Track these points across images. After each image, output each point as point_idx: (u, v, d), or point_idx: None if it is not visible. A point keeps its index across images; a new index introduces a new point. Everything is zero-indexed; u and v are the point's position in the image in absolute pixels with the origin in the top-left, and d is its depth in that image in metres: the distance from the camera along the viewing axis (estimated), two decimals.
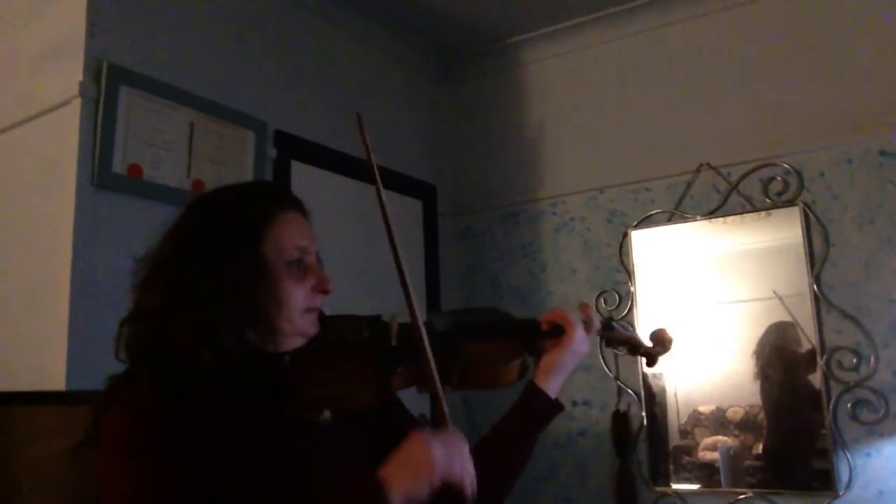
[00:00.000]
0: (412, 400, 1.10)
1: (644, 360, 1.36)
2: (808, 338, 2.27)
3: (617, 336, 1.33)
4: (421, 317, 0.95)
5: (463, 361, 1.08)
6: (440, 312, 1.18)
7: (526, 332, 1.17)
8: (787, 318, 2.31)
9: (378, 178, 1.00)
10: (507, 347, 1.14)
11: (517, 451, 1.11)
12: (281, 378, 0.94)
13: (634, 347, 1.35)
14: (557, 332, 1.16)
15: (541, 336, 1.16)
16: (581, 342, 1.15)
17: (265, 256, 0.95)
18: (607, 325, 1.34)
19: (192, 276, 0.92)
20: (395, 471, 0.85)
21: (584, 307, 1.21)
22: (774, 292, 2.32)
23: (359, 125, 1.04)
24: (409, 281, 0.97)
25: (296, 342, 0.98)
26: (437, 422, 0.90)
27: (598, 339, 1.32)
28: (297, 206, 1.04)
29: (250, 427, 0.91)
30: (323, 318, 1.03)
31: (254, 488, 0.87)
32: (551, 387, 1.13)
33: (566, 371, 1.15)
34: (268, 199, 1.01)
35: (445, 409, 0.90)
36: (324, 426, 0.92)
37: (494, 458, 1.08)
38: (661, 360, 1.36)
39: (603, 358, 2.59)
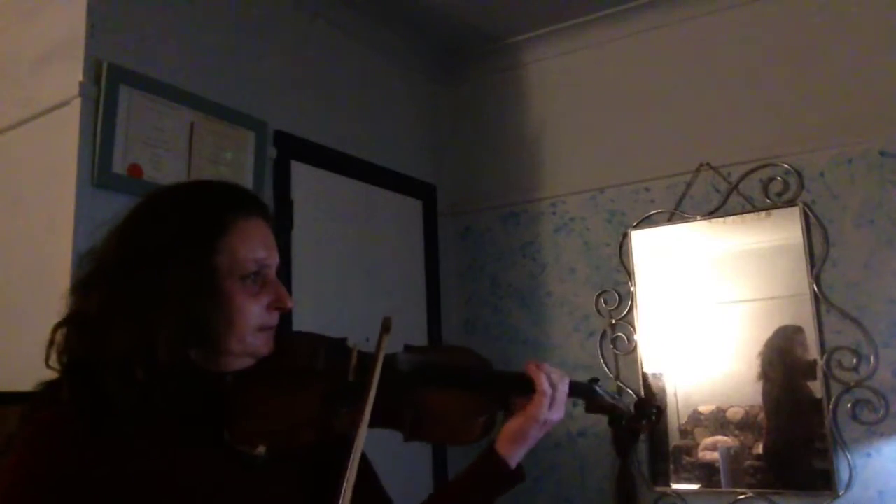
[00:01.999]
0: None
1: (624, 432, 1.22)
2: (812, 342, 2.27)
3: (598, 402, 1.16)
4: (379, 367, 0.85)
5: (419, 409, 0.95)
6: (413, 348, 1.04)
7: (498, 387, 1.03)
8: (792, 322, 2.31)
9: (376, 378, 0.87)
10: (472, 400, 0.99)
11: None
12: (219, 402, 0.86)
13: (616, 418, 1.18)
14: (530, 388, 1.01)
15: (514, 393, 1.03)
16: (547, 412, 1.00)
17: (217, 267, 0.85)
18: (589, 390, 1.16)
19: (135, 282, 0.82)
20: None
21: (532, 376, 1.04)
22: (801, 328, 2.30)
23: (382, 330, 0.91)
24: (382, 350, 0.87)
25: (244, 362, 0.89)
26: (340, 472, 0.79)
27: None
28: (260, 211, 0.92)
29: (178, 455, 0.83)
30: (280, 337, 0.93)
31: None
32: (513, 456, 1.00)
33: (531, 442, 1.01)
34: (226, 203, 0.90)
35: (355, 457, 0.80)
36: (258, 461, 0.85)
37: None
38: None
39: (603, 358, 2.59)
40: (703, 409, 2.42)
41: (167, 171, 1.86)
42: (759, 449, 2.32)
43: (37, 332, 1.68)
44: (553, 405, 1.00)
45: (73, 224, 1.66)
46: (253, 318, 0.88)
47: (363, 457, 0.91)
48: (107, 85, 1.73)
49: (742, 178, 2.45)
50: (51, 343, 0.86)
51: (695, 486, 2.40)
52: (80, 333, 0.84)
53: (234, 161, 2.05)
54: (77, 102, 1.71)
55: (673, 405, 2.47)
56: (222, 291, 0.85)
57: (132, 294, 0.82)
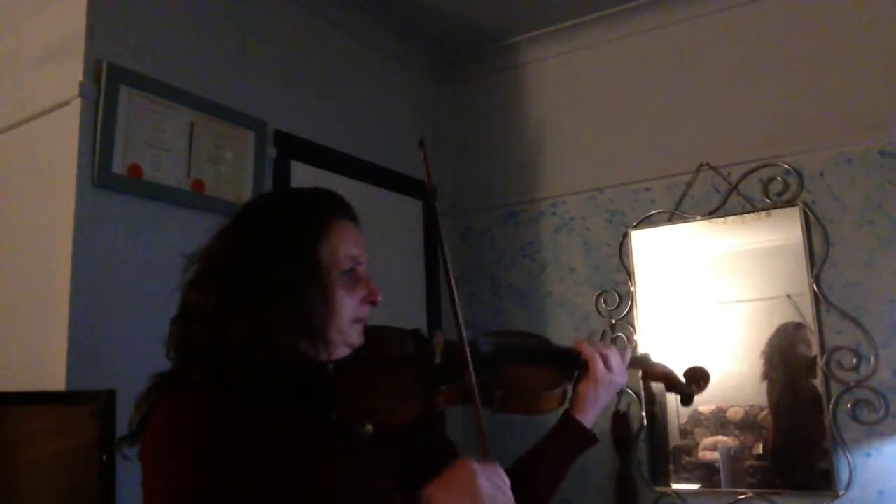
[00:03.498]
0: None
1: (679, 397, 1.34)
2: (813, 339, 2.27)
3: (655, 372, 1.33)
4: (466, 336, 0.96)
5: (506, 384, 1.07)
6: (483, 333, 1.18)
7: (567, 361, 1.17)
8: (795, 319, 2.31)
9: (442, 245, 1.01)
10: (549, 374, 1.13)
11: (548, 480, 1.11)
12: (326, 387, 0.94)
13: (671, 385, 1.34)
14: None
15: (579, 366, 1.17)
16: (607, 374, 1.15)
17: (321, 264, 0.95)
18: (647, 361, 1.34)
19: (250, 280, 0.91)
20: (440, 495, 0.86)
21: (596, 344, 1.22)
22: (788, 296, 2.31)
23: (422, 150, 1.04)
24: (458, 302, 0.98)
25: (342, 352, 0.98)
26: (481, 447, 0.90)
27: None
28: (351, 214, 1.04)
29: (296, 434, 0.91)
30: (365, 329, 1.03)
31: (297, 495, 0.87)
32: (586, 417, 1.14)
33: (600, 403, 1.15)
34: (326, 206, 1.02)
35: (484, 429, 0.91)
36: (365, 438, 0.93)
37: (525, 485, 1.08)
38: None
39: None
40: (703, 409, 2.42)
41: (167, 171, 1.86)
42: (759, 449, 2.32)
43: (37, 332, 1.69)
44: (608, 370, 1.14)
45: (73, 224, 1.65)
46: (350, 310, 0.97)
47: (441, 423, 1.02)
48: (107, 85, 1.73)
49: (742, 178, 2.45)
50: (169, 336, 0.94)
51: (695, 486, 2.40)
52: (202, 327, 0.91)
53: (234, 161, 2.05)
54: (77, 102, 1.71)
55: (673, 405, 2.47)
56: (325, 286, 0.95)
57: (251, 290, 0.91)
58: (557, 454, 1.13)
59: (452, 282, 1.00)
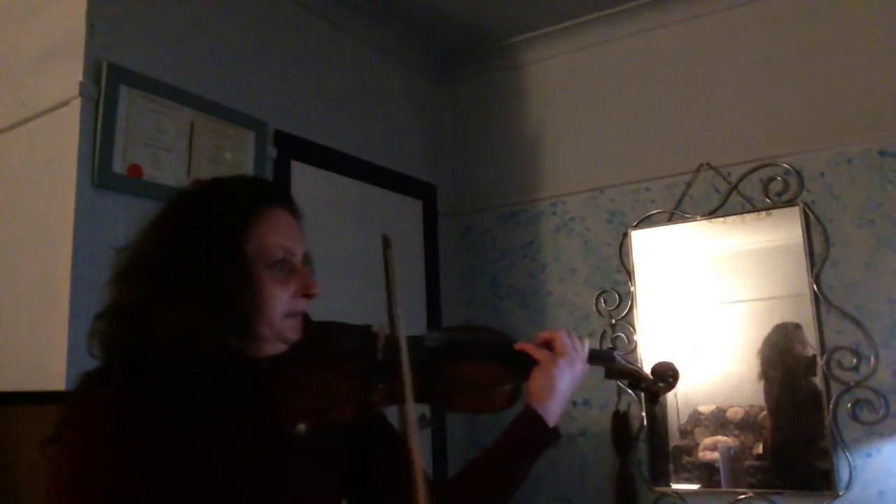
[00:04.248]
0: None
1: (644, 395, 1.31)
2: (811, 341, 2.27)
3: (618, 368, 1.26)
4: (403, 329, 0.90)
5: (449, 381, 1.03)
6: (437, 328, 1.14)
7: (517, 356, 1.11)
8: (792, 319, 2.31)
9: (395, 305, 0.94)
10: (496, 370, 1.07)
11: (503, 479, 1.04)
12: (258, 385, 0.90)
13: (636, 381, 1.28)
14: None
15: (531, 360, 1.11)
16: (558, 358, 1.09)
17: (247, 256, 0.90)
18: (608, 356, 1.27)
19: (173, 274, 0.87)
20: None
21: (541, 336, 1.15)
22: (799, 324, 2.31)
23: (384, 248, 0.99)
24: (396, 295, 0.93)
25: (277, 347, 0.93)
26: (402, 441, 0.85)
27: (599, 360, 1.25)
28: (286, 203, 0.98)
29: (223, 433, 0.87)
30: (308, 324, 0.97)
31: (225, 494, 0.84)
32: (544, 407, 1.06)
33: (558, 391, 1.08)
34: (253, 195, 0.96)
35: (412, 431, 0.85)
36: (297, 438, 0.89)
37: (479, 486, 1.03)
38: (665, 397, 1.29)
39: None
40: (703, 409, 2.42)
41: (167, 171, 1.85)
42: (759, 449, 2.32)
43: (37, 333, 1.69)
44: (557, 353, 1.10)
45: (73, 224, 1.65)
46: (281, 304, 0.91)
47: (386, 420, 1.01)
48: (107, 85, 1.73)
49: (742, 178, 2.45)
50: (92, 333, 0.89)
51: (695, 486, 2.40)
52: (124, 323, 0.87)
53: (234, 161, 2.04)
54: (77, 102, 1.71)
55: (673, 405, 2.47)
56: (252, 279, 0.89)
57: (172, 285, 0.87)
58: (511, 452, 1.05)
59: (391, 271, 0.96)
